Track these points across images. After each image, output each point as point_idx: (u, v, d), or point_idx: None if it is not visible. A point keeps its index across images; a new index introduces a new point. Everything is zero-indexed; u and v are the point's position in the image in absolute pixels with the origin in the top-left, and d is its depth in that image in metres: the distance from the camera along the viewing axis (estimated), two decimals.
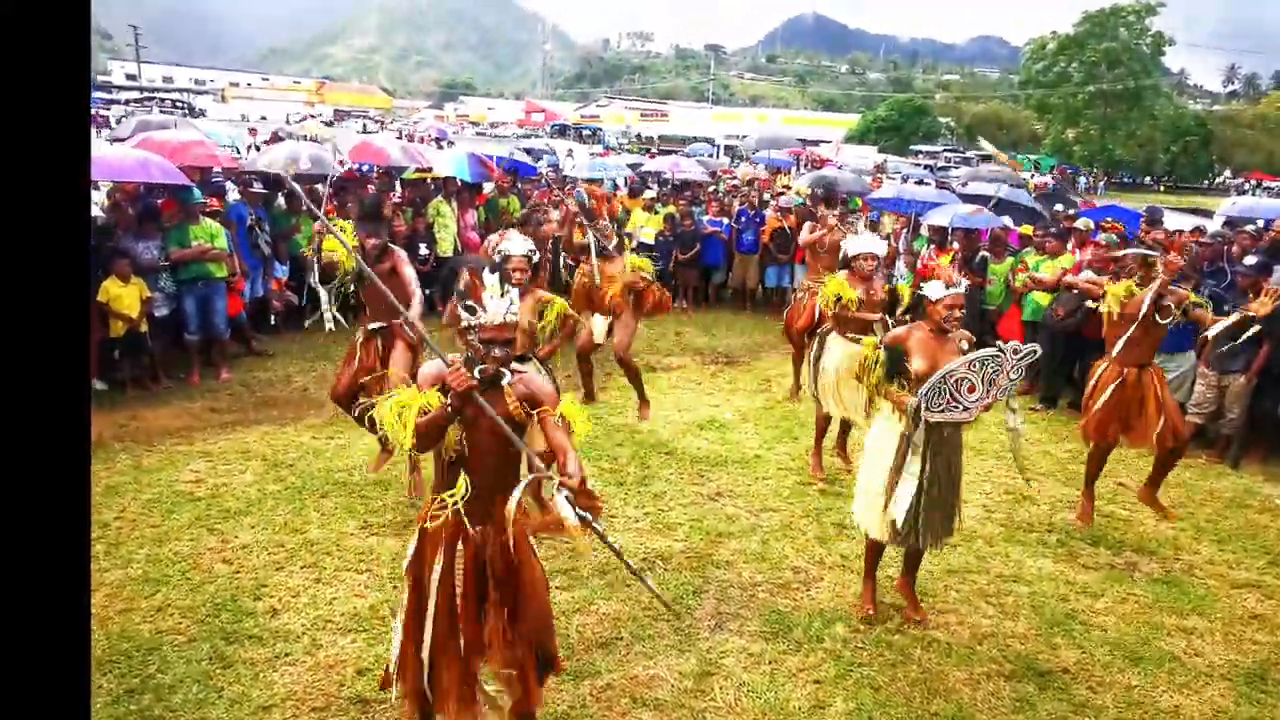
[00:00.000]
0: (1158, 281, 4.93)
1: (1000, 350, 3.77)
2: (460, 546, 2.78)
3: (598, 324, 6.69)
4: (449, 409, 2.58)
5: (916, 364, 3.89)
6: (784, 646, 3.93)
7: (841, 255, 5.84)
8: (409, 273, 5.12)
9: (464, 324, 2.69)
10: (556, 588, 4.30)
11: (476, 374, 2.61)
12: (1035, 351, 3.86)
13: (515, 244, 4.78)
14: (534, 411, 2.72)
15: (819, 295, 5.88)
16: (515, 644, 2.81)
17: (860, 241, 5.67)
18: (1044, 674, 3.82)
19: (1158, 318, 4.96)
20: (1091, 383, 5.25)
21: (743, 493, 5.62)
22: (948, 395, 3.77)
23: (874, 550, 4.24)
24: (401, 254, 5.16)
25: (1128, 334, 5.01)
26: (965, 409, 3.80)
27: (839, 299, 5.55)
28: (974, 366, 3.74)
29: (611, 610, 4.14)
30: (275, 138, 17.93)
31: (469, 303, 2.65)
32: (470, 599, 2.79)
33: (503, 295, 2.65)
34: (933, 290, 3.97)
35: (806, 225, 7.79)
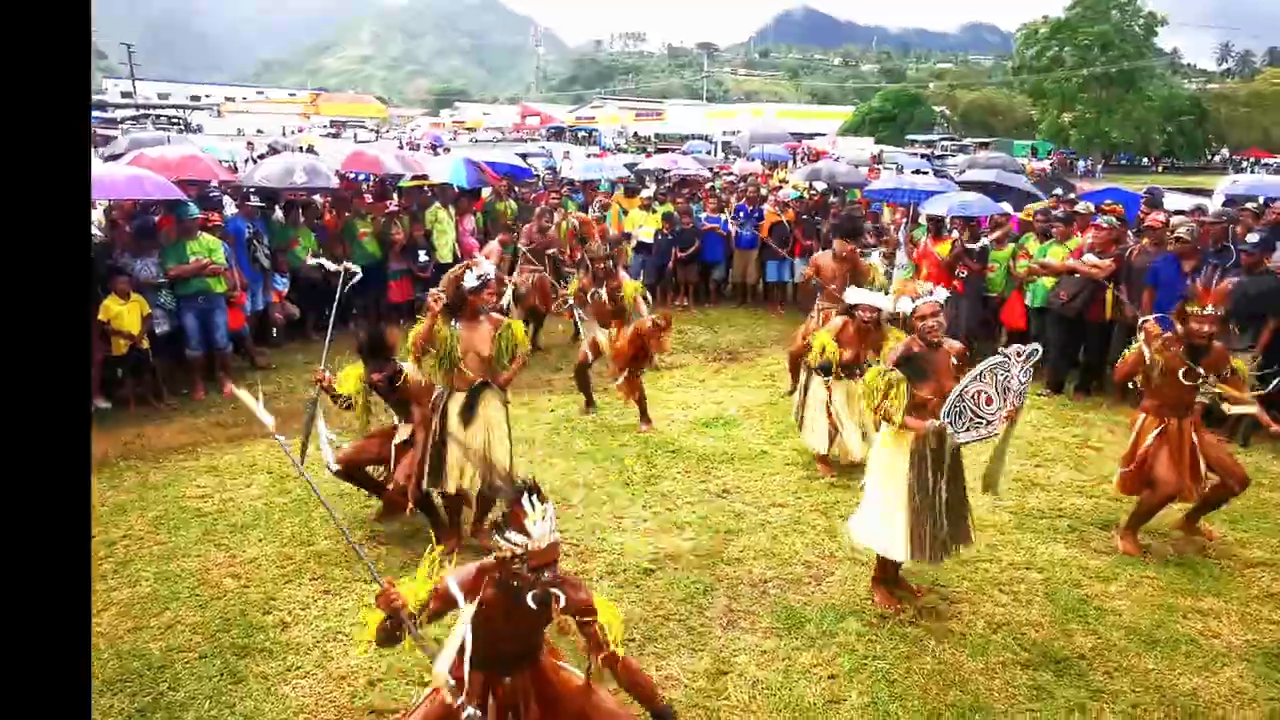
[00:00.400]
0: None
1: (1004, 355, 3.71)
2: (491, 701, 2.75)
3: (600, 336, 6.68)
4: (388, 625, 2.53)
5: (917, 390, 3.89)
6: (797, 642, 3.91)
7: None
8: (423, 409, 4.88)
9: (509, 554, 2.56)
10: None
11: (530, 600, 2.53)
12: (1037, 351, 3.80)
13: (488, 266, 4.68)
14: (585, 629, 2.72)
15: (809, 344, 5.86)
16: None
17: (861, 293, 5.52)
18: (1060, 661, 3.79)
19: (1181, 377, 4.58)
20: (1133, 434, 4.90)
21: (750, 489, 5.60)
22: (969, 413, 3.71)
23: (888, 562, 4.22)
24: (414, 386, 4.83)
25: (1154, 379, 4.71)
26: (989, 423, 3.74)
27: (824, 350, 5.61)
28: (984, 378, 3.68)
29: (622, 612, 4.10)
30: (272, 151, 17.96)
31: (513, 533, 2.55)
32: None
33: (543, 517, 2.57)
34: (903, 306, 4.00)
35: (814, 258, 7.32)
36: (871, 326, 5.46)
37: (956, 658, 3.82)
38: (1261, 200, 9.69)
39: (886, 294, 5.69)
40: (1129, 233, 8.02)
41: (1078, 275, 7.39)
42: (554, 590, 2.56)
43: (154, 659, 3.67)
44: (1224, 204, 10.40)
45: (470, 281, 4.49)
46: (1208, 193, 14.28)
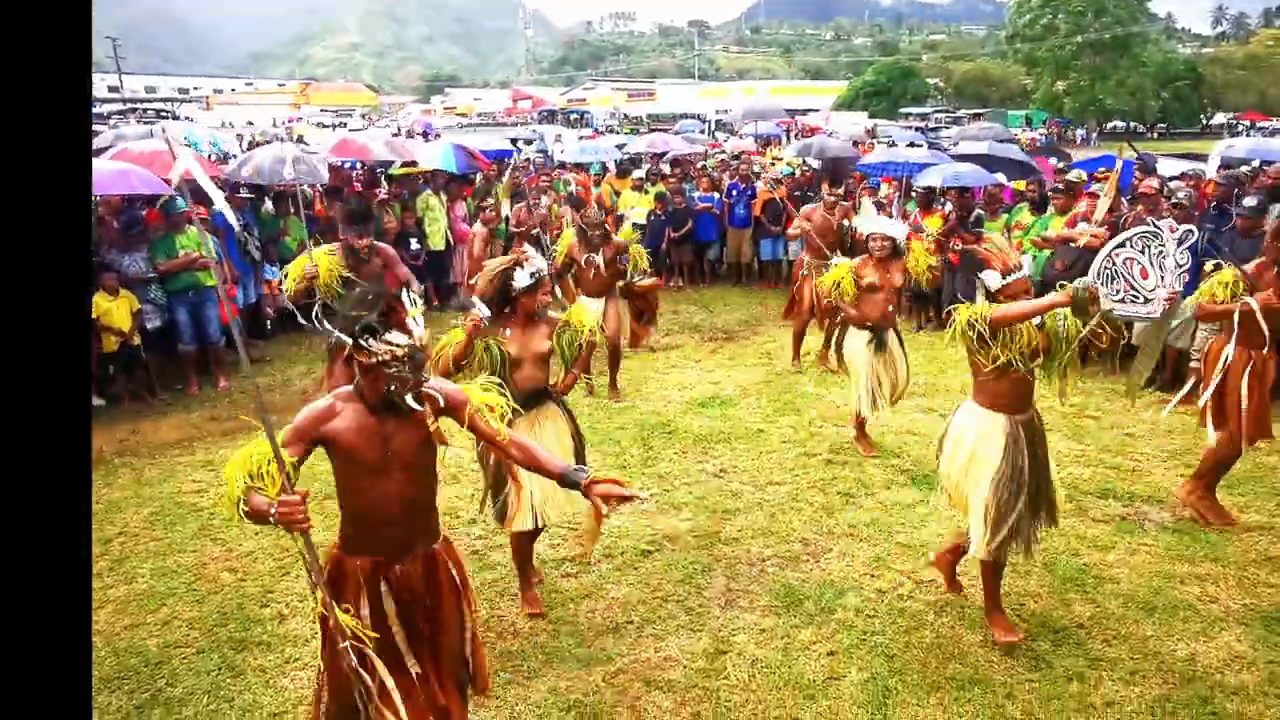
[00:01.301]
0: None
1: (1156, 226, 3.22)
2: (383, 586, 2.57)
3: (590, 308, 6.64)
4: (273, 520, 2.28)
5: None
6: (796, 620, 3.91)
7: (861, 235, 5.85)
8: (401, 270, 5.44)
9: (392, 354, 2.39)
10: (563, 575, 4.29)
11: (411, 400, 2.42)
12: (1191, 231, 3.30)
13: (541, 260, 3.88)
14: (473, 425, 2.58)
15: (820, 279, 5.82)
16: (440, 690, 2.63)
17: (875, 221, 5.38)
18: (1059, 630, 3.79)
19: None
20: (1219, 372, 4.60)
21: (747, 468, 5.58)
22: (1123, 281, 3.21)
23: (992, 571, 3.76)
24: (390, 250, 5.40)
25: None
26: (1147, 301, 3.21)
27: (839, 288, 5.49)
28: (1134, 244, 3.20)
29: (620, 595, 4.11)
30: (254, 144, 17.69)
31: (394, 334, 2.39)
32: (408, 639, 2.60)
33: (420, 314, 2.48)
34: (992, 280, 3.50)
35: (804, 210, 7.77)
36: (889, 256, 5.39)
37: (955, 630, 3.82)
38: (1256, 163, 9.62)
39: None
40: (1124, 200, 7.96)
41: (1073, 245, 7.34)
42: (433, 389, 2.49)
43: (151, 655, 3.67)
44: (1220, 167, 10.32)
45: (521, 280, 3.72)
46: (1204, 157, 14.18)
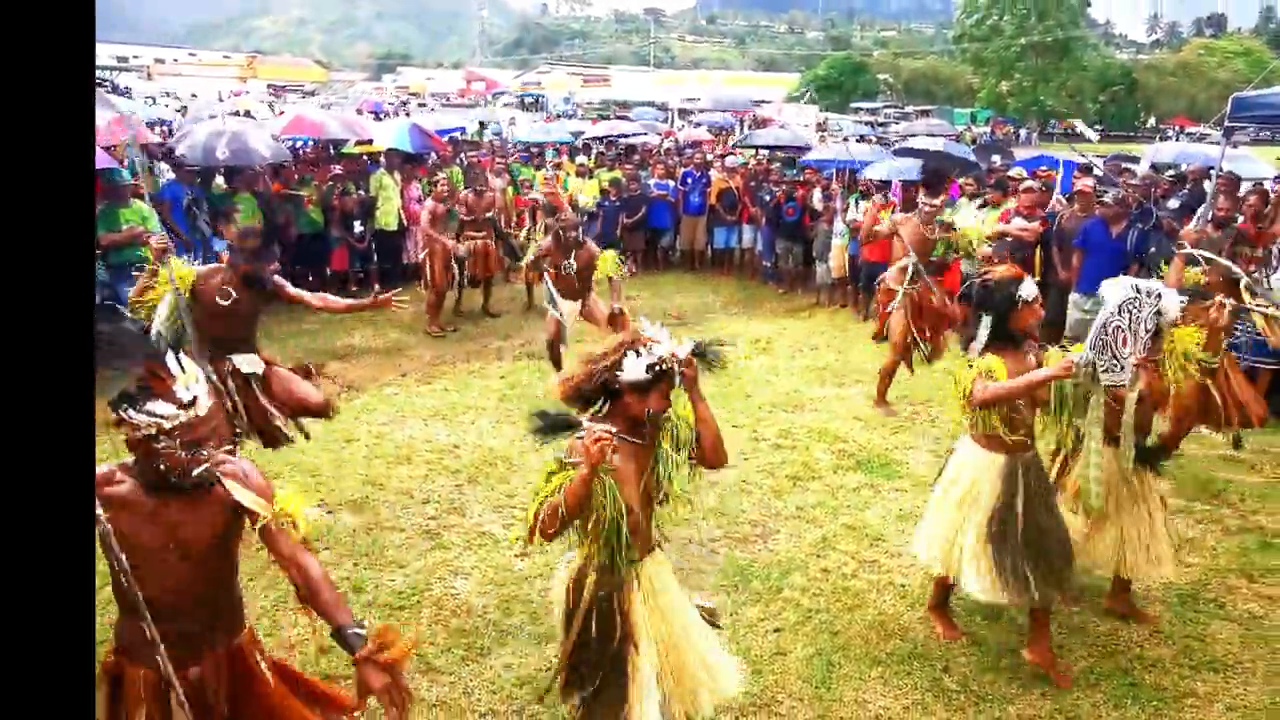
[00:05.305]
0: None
1: (1136, 291, 3.25)
2: (173, 699, 2.17)
3: (567, 309, 6.55)
4: None
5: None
6: (744, 598, 4.03)
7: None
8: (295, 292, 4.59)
9: (158, 428, 2.05)
10: (516, 555, 4.33)
11: (197, 475, 2.06)
12: (1161, 295, 3.29)
13: (665, 337, 2.57)
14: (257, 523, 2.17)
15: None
16: None
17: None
18: (992, 610, 3.97)
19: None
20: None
21: None
22: (1110, 350, 3.22)
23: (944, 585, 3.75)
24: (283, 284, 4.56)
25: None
26: (1122, 368, 3.22)
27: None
28: (1123, 312, 3.22)
29: None
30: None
31: (157, 404, 2.06)
32: None
33: (195, 380, 2.14)
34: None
35: (896, 218, 6.55)
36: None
37: (896, 608, 3.98)
38: (1185, 167, 10.08)
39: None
40: (1058, 198, 8.30)
41: (1009, 239, 7.62)
42: (215, 470, 2.10)
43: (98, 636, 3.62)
44: (1150, 168, 10.79)
45: (632, 370, 2.46)
46: (1137, 159, 14.75)
